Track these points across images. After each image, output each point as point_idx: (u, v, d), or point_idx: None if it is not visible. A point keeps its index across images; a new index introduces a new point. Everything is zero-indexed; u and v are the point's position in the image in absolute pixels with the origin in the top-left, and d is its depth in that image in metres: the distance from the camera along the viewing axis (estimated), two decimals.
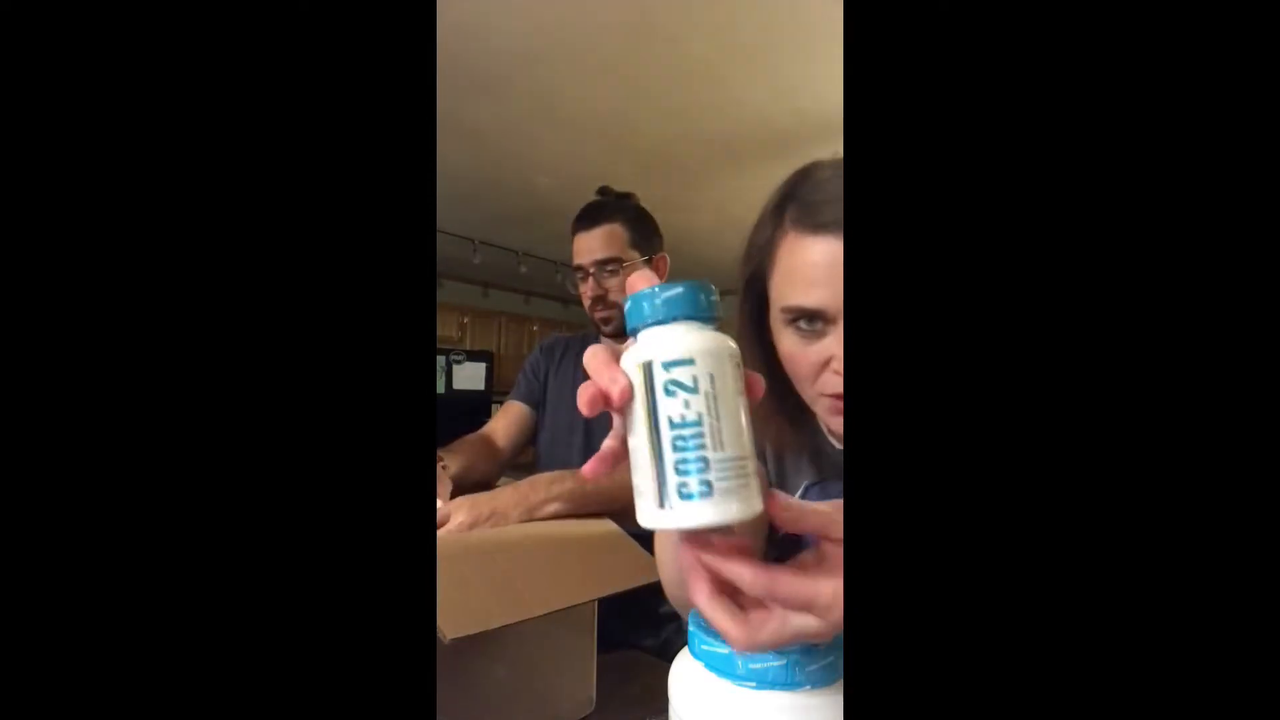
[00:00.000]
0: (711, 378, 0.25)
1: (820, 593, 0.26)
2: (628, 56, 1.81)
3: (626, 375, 0.25)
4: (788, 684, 0.29)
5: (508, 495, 0.64)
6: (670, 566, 0.45)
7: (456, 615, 0.40)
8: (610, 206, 0.99)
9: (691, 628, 0.32)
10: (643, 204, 1.03)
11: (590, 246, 0.96)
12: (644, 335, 0.26)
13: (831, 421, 0.46)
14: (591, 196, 1.03)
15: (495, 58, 1.82)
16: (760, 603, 0.27)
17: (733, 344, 0.26)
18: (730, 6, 1.57)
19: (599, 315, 0.98)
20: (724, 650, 0.30)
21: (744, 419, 0.25)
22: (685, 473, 0.24)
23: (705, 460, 0.24)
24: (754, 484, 0.25)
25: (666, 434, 0.24)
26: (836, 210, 0.40)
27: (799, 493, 0.55)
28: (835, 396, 0.43)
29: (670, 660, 0.34)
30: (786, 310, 0.43)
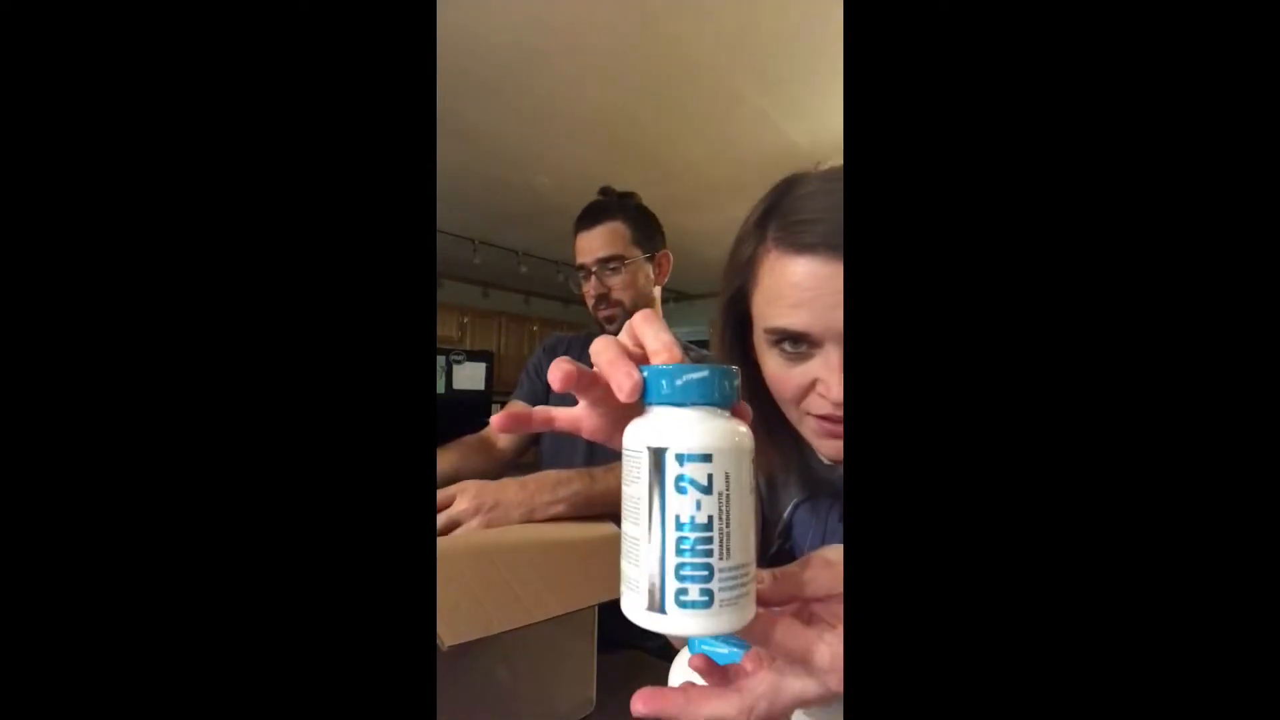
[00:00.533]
0: (727, 477, 0.23)
1: (816, 650, 0.24)
2: (628, 56, 1.81)
3: (640, 373, 0.24)
4: None
5: (514, 490, 0.63)
6: None
7: (456, 621, 0.40)
8: (612, 205, 0.99)
9: None
10: (644, 203, 1.03)
11: (592, 245, 0.96)
12: (657, 413, 0.24)
13: (819, 443, 0.45)
14: (592, 196, 1.03)
15: (494, 58, 1.82)
16: (746, 673, 0.27)
17: (750, 436, 0.25)
18: (730, 6, 1.57)
19: (603, 314, 0.98)
20: (724, 650, 0.30)
21: (753, 521, 0.24)
22: (686, 579, 0.23)
23: (710, 569, 0.23)
24: (753, 589, 0.24)
25: (671, 534, 0.23)
26: (820, 229, 0.39)
27: (788, 511, 0.54)
28: (821, 418, 0.42)
29: (668, 660, 0.34)
30: (770, 331, 0.42)
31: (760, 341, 0.44)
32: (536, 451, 1.06)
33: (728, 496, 0.23)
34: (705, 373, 0.24)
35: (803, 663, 0.25)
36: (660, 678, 0.34)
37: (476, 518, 0.60)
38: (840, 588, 0.26)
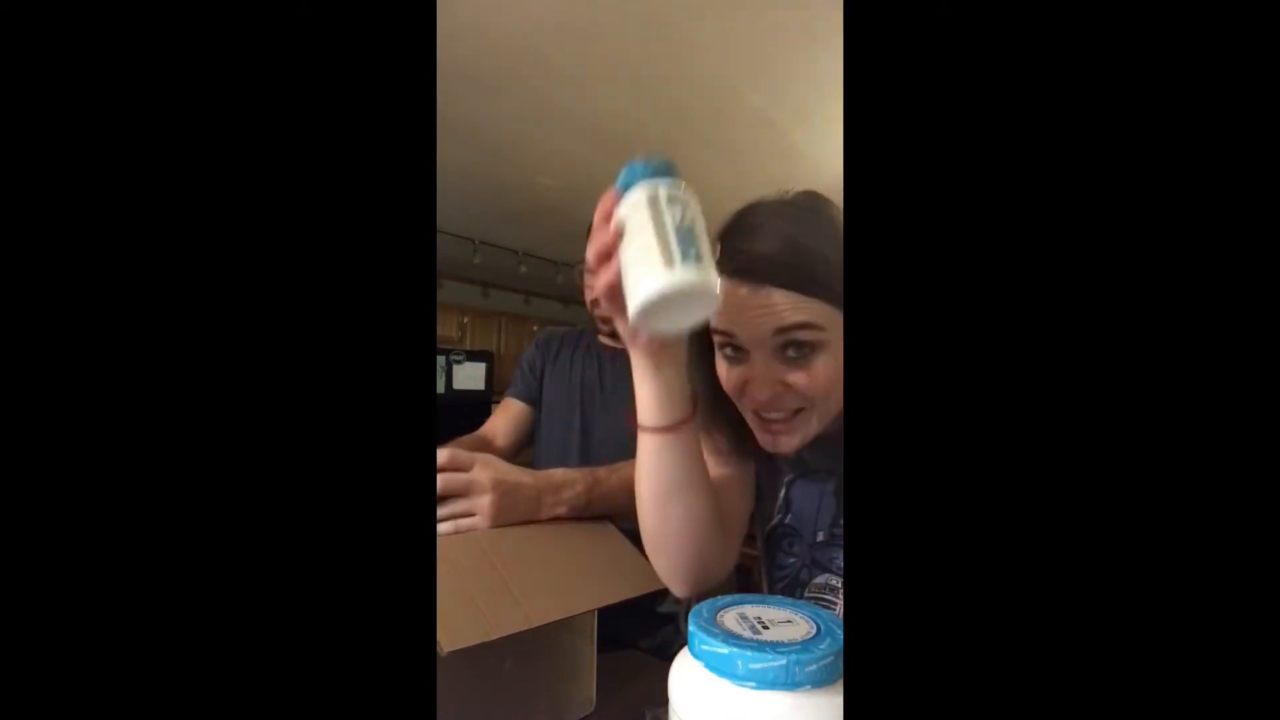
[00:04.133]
0: (691, 204, 0.39)
1: None
2: (628, 57, 1.81)
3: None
4: (788, 684, 0.29)
5: (528, 480, 0.62)
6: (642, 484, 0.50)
7: (455, 627, 0.40)
8: None
9: (692, 628, 0.32)
10: None
11: None
12: (642, 184, 0.39)
13: (759, 436, 0.52)
14: (592, 196, 1.02)
15: (495, 58, 1.82)
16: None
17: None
18: (731, 6, 1.56)
19: (601, 314, 0.98)
20: (724, 650, 0.30)
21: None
22: (686, 252, 0.36)
23: (698, 241, 0.37)
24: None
25: (672, 231, 0.37)
26: (744, 259, 0.47)
27: (784, 488, 0.59)
28: (755, 414, 0.50)
29: (667, 660, 0.34)
30: (714, 333, 0.50)
31: (716, 344, 0.52)
32: (531, 452, 1.06)
33: (695, 212, 0.39)
34: (665, 161, 0.40)
35: None
36: (660, 677, 0.34)
37: (488, 495, 0.59)
38: None
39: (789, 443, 0.50)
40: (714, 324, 0.50)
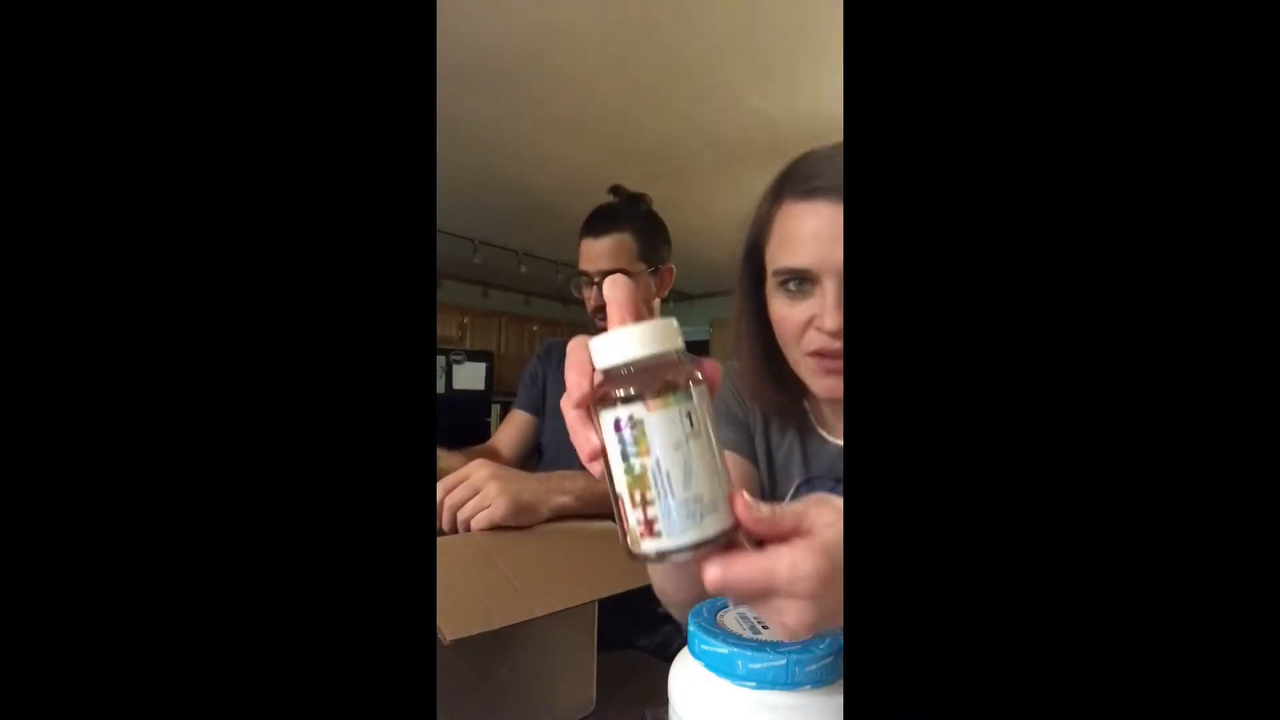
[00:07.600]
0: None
1: (776, 567, 0.24)
2: (628, 56, 1.82)
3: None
4: (788, 683, 0.29)
5: (531, 479, 0.64)
6: (657, 573, 0.47)
7: (457, 616, 0.40)
8: (621, 213, 0.97)
9: (692, 628, 0.32)
10: (653, 208, 1.02)
11: (597, 255, 0.94)
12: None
13: (815, 382, 0.49)
14: (591, 196, 1.03)
15: (495, 58, 1.82)
16: None
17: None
18: (730, 6, 1.57)
19: (601, 324, 0.98)
20: (724, 650, 0.30)
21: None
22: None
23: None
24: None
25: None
26: (829, 178, 0.45)
27: (790, 494, 0.58)
28: (817, 355, 0.47)
29: (667, 660, 0.34)
30: (778, 273, 0.48)
31: (771, 289, 0.50)
32: (537, 462, 1.06)
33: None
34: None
35: (769, 590, 0.25)
36: (660, 677, 0.34)
37: (494, 483, 0.60)
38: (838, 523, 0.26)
39: (840, 384, 0.47)
40: (779, 263, 0.48)
